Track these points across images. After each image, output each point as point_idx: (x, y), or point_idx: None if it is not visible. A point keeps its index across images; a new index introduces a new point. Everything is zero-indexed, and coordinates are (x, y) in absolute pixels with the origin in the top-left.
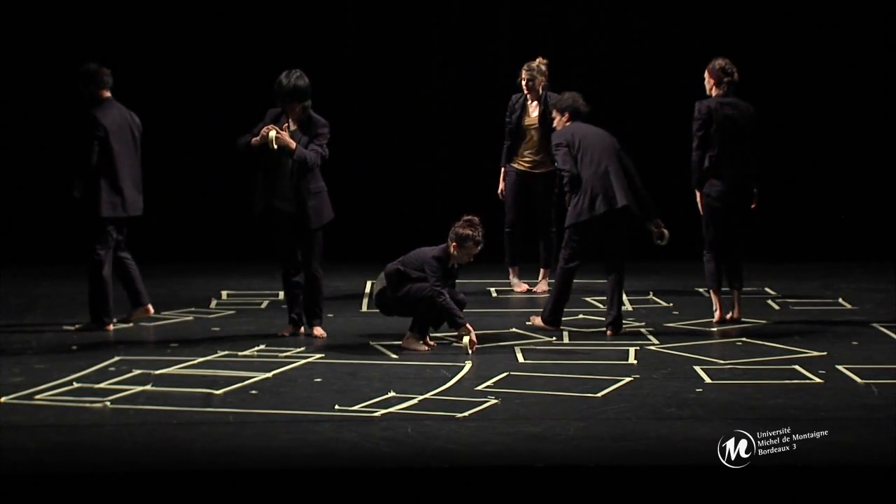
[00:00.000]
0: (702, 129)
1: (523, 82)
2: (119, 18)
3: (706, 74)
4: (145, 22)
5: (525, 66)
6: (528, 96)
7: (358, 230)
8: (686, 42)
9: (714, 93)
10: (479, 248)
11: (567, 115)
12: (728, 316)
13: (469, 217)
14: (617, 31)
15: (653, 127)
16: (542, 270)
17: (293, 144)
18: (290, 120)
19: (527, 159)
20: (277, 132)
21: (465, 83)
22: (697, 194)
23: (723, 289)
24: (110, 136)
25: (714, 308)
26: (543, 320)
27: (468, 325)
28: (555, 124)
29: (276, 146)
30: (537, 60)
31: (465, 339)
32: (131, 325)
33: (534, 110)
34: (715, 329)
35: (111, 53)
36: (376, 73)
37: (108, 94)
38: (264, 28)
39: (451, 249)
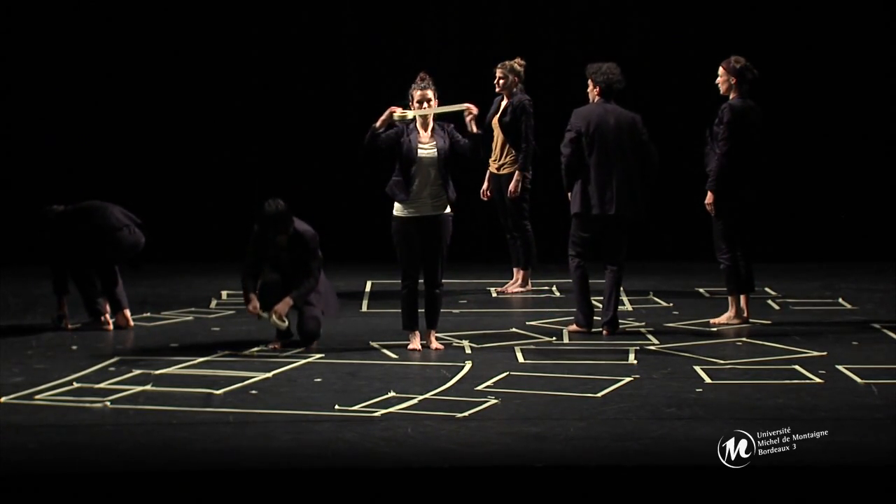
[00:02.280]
0: (732, 133)
1: (496, 81)
2: (119, 19)
3: (722, 72)
4: (145, 22)
5: (499, 65)
6: (503, 95)
7: (358, 230)
8: (684, 43)
9: (733, 93)
10: (422, 97)
11: (598, 88)
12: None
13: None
14: (616, 32)
15: (653, 128)
16: (515, 270)
17: (290, 304)
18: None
19: (493, 159)
20: (278, 315)
21: (466, 83)
22: (710, 196)
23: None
24: None
25: (731, 310)
26: (578, 325)
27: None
28: (589, 90)
29: (284, 322)
30: (515, 60)
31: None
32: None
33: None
34: (715, 329)
35: (111, 55)
36: (375, 72)
37: None
38: (262, 29)
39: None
